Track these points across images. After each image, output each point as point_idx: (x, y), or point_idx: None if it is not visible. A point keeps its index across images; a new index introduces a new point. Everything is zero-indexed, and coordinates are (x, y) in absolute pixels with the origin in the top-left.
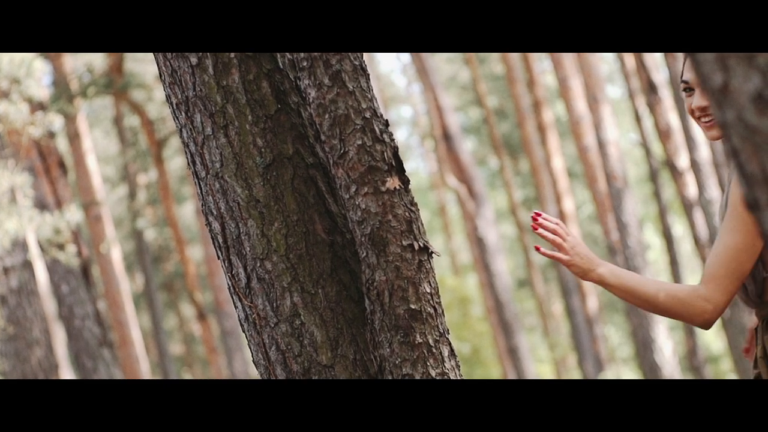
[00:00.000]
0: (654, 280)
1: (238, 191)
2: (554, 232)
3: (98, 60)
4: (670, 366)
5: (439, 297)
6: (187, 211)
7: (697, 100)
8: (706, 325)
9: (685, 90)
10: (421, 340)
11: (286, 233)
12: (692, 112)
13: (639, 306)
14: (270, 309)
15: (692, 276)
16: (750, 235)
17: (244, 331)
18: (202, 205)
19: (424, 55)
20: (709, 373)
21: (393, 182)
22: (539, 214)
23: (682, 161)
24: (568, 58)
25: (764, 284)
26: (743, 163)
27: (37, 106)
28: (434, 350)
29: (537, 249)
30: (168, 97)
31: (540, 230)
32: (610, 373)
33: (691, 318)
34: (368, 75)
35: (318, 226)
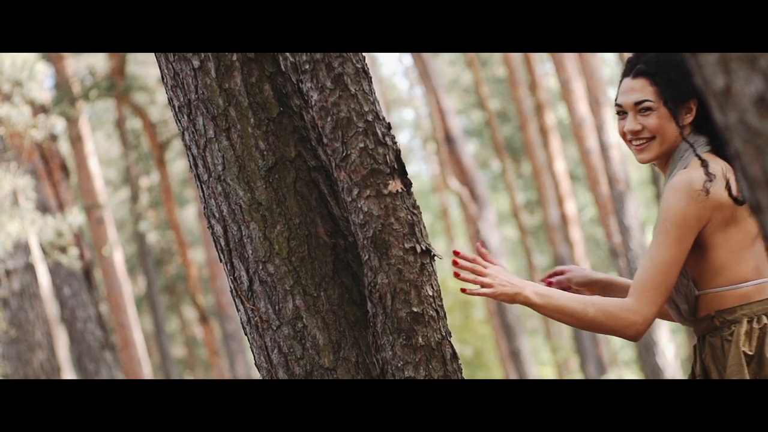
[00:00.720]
0: (580, 296)
1: (240, 194)
2: (473, 271)
3: (100, 63)
4: (672, 369)
5: (441, 300)
6: (189, 214)
7: (630, 123)
8: (636, 337)
9: (618, 113)
10: (423, 343)
11: (288, 236)
12: (624, 135)
13: (569, 324)
14: (272, 312)
15: None
16: (675, 250)
17: (246, 334)
18: (204, 208)
19: (426, 57)
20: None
21: (395, 185)
22: (457, 253)
23: None
24: (570, 61)
25: (697, 302)
26: (745, 166)
27: (39, 109)
28: (436, 353)
29: (463, 291)
30: (170, 100)
31: (461, 274)
32: (612, 376)
33: (622, 331)
34: (370, 78)
35: (320, 229)
